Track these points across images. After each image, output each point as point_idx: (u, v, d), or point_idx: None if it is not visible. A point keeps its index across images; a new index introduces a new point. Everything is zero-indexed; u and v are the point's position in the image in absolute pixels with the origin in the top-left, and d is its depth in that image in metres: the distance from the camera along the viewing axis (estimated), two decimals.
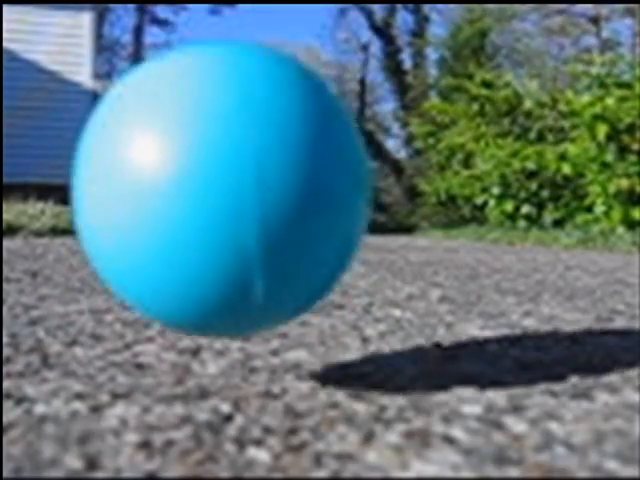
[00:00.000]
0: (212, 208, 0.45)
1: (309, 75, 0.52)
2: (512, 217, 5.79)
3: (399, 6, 13.81)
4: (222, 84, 0.47)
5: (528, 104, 6.37)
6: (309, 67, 0.53)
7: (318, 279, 0.51)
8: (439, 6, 12.67)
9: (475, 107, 6.78)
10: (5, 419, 0.49)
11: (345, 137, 0.51)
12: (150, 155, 0.46)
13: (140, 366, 0.65)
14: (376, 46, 14.52)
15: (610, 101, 4.45)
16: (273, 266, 0.47)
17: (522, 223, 5.62)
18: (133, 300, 0.52)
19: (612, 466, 0.41)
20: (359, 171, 0.51)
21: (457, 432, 0.47)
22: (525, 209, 5.73)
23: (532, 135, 6.30)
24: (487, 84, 6.68)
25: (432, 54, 12.81)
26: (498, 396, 0.56)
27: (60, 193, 6.09)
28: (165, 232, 0.46)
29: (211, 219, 0.46)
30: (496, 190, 5.90)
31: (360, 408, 0.52)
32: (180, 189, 0.46)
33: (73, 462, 0.41)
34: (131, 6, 15.65)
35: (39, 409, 0.51)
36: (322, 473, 0.40)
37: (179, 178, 0.46)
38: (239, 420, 0.49)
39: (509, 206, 5.79)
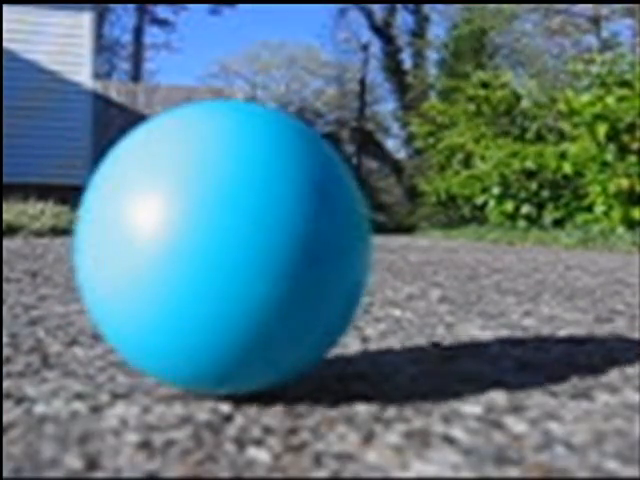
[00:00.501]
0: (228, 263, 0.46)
1: (312, 135, 0.53)
2: (512, 217, 5.79)
3: (399, 6, 13.83)
4: (226, 149, 0.48)
5: (525, 104, 6.38)
6: (307, 127, 0.55)
7: (333, 318, 0.53)
8: (439, 6, 12.67)
9: (472, 107, 6.79)
10: (5, 419, 0.49)
11: (345, 191, 0.52)
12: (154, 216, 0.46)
13: None
14: (376, 46, 14.54)
15: (610, 100, 4.45)
16: (292, 313, 0.48)
17: (522, 223, 5.62)
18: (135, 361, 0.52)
19: (612, 466, 0.41)
20: (359, 221, 0.53)
21: (457, 432, 0.47)
22: (525, 209, 5.73)
23: (530, 135, 6.31)
24: (484, 84, 6.68)
25: (432, 54, 12.83)
26: (498, 396, 0.56)
27: (60, 193, 6.10)
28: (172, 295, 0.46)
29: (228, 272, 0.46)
30: (496, 190, 5.90)
31: (360, 408, 0.52)
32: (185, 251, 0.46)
33: (73, 462, 0.41)
34: (131, 6, 15.67)
35: (39, 409, 0.51)
36: (322, 473, 0.40)
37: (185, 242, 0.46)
38: (239, 420, 0.49)
39: (509, 206, 5.80)
